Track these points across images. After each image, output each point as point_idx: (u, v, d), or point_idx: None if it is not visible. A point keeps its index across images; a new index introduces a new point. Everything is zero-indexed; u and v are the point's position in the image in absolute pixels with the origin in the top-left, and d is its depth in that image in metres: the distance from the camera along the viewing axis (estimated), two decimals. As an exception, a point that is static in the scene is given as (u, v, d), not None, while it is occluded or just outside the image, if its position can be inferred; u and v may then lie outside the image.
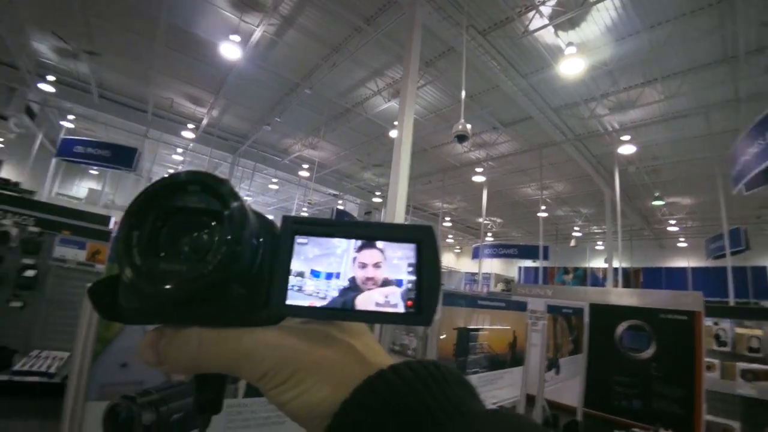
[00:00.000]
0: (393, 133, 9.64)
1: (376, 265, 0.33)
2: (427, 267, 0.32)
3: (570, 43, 6.65)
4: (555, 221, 18.54)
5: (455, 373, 0.32)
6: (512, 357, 2.88)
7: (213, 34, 8.23)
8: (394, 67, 8.65)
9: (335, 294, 0.33)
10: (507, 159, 12.45)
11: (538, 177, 12.00)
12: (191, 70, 9.84)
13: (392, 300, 0.32)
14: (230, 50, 7.70)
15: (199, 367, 0.31)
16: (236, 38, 7.62)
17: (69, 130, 12.93)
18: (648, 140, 9.96)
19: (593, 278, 19.87)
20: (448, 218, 20.13)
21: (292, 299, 0.32)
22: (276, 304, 0.32)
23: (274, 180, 17.00)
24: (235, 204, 0.30)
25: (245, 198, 0.35)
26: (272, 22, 7.68)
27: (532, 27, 6.68)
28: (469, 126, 5.98)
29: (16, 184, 9.34)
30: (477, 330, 2.61)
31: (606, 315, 3.67)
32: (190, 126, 12.48)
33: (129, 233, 0.30)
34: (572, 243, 18.65)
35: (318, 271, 0.34)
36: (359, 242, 0.34)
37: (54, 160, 12.60)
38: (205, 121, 12.48)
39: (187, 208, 0.31)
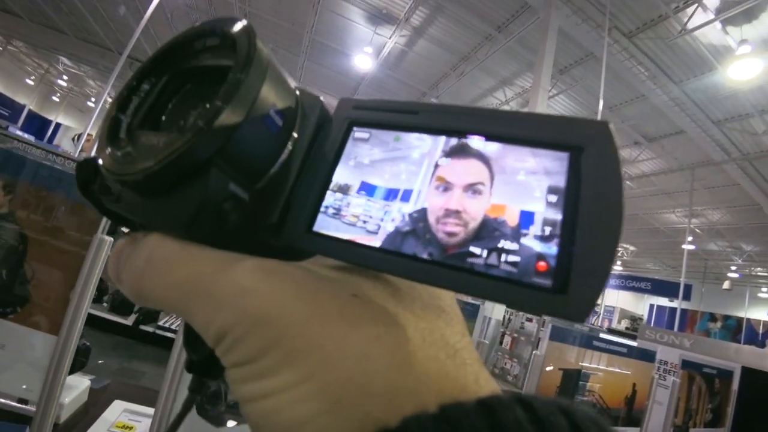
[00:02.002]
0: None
1: (473, 189, 0.19)
2: (592, 202, 0.16)
3: (744, 41, 5.61)
4: (704, 256, 15.81)
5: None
6: (628, 415, 2.34)
7: (348, 46, 8.92)
8: (524, 76, 8.33)
9: (398, 226, 0.20)
10: (649, 179, 11.05)
11: (687, 202, 10.38)
12: (327, 80, 10.85)
13: (506, 256, 0.17)
14: (363, 61, 8.26)
15: (143, 296, 0.20)
16: (369, 50, 8.14)
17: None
18: None
19: (750, 333, 16.33)
20: (569, 241, 18.61)
21: (322, 228, 0.21)
22: (293, 229, 0.21)
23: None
24: (247, 57, 0.20)
25: None
26: (403, 33, 8.02)
27: (691, 24, 5.82)
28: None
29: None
30: (588, 373, 2.22)
31: (766, 387, 2.89)
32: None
33: (127, 98, 0.23)
34: (726, 285, 15.68)
35: (374, 184, 0.21)
36: (450, 141, 0.20)
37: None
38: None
39: (201, 68, 0.23)
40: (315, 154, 0.23)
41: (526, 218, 0.17)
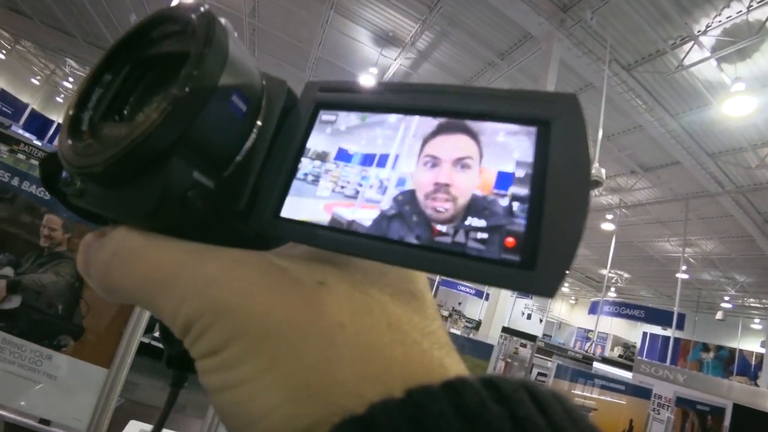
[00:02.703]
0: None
1: (462, 164, 0.18)
2: (558, 173, 0.16)
3: (738, 78, 5.79)
4: (698, 286, 15.86)
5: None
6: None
7: (354, 66, 9.07)
8: (524, 102, 8.49)
9: (375, 197, 0.20)
10: (644, 207, 11.16)
11: (681, 232, 10.47)
12: (331, 98, 10.97)
13: (476, 233, 0.17)
14: (368, 81, 8.36)
15: (111, 289, 0.20)
16: (374, 70, 8.28)
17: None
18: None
19: (742, 364, 16.27)
20: (564, 265, 18.57)
21: (302, 195, 0.21)
22: (260, 215, 0.21)
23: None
24: (206, 41, 0.19)
25: None
26: (408, 56, 8.18)
27: (688, 61, 6.01)
28: (603, 170, 5.54)
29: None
30: (583, 407, 2.23)
31: (756, 424, 2.89)
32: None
33: (88, 91, 0.22)
34: (719, 315, 15.69)
35: (350, 152, 0.21)
36: (433, 121, 0.20)
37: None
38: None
39: (162, 55, 0.22)
40: (282, 139, 0.22)
41: (497, 194, 0.17)
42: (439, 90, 0.20)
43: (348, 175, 0.21)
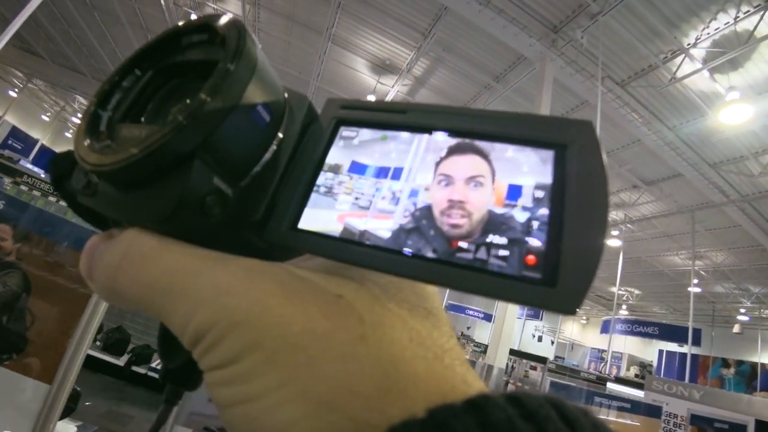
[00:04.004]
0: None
1: (474, 182, 0.19)
2: (577, 196, 0.17)
3: (732, 88, 5.85)
4: (711, 299, 15.54)
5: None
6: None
7: (352, 94, 9.28)
8: (521, 122, 8.60)
9: (388, 208, 0.20)
10: (650, 222, 11.08)
11: (690, 244, 10.35)
12: (331, 126, 11.19)
13: (496, 249, 0.17)
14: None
15: (117, 292, 0.19)
16: (372, 98, 8.47)
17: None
18: None
19: (766, 379, 15.74)
20: (573, 284, 18.28)
21: (319, 207, 0.21)
22: (277, 227, 0.21)
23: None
24: (236, 51, 0.19)
25: None
26: (405, 83, 8.36)
27: (680, 73, 6.10)
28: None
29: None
30: None
31: None
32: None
33: (108, 93, 0.22)
34: (736, 328, 15.26)
35: (364, 164, 0.22)
36: (448, 141, 0.20)
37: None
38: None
39: (188, 63, 0.22)
40: (302, 153, 0.22)
41: (517, 213, 0.18)
42: (458, 112, 0.21)
43: (362, 186, 0.21)
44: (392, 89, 8.52)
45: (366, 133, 0.22)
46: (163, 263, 0.18)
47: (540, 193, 0.18)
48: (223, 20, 0.21)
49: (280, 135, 0.22)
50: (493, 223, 0.18)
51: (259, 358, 0.16)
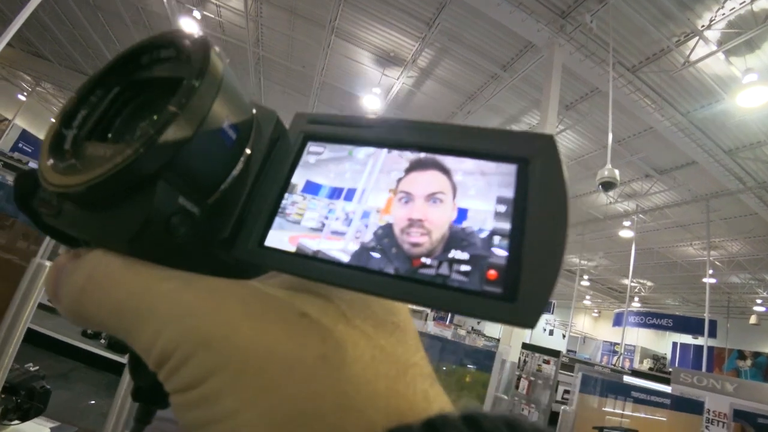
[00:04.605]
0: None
1: (434, 199, 0.19)
2: (538, 209, 0.17)
3: (749, 70, 5.66)
4: (727, 290, 15.27)
5: None
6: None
7: (357, 88, 9.20)
8: (531, 113, 8.45)
9: (339, 230, 0.20)
10: (662, 212, 10.88)
11: (704, 234, 10.15)
12: (336, 121, 11.21)
13: (457, 265, 0.17)
14: (372, 102, 8.48)
15: (83, 314, 0.19)
16: (377, 91, 8.38)
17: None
18: None
19: (785, 370, 15.45)
20: (586, 277, 18.13)
21: (281, 225, 0.21)
22: (245, 244, 0.21)
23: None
24: (201, 69, 0.19)
25: None
26: (411, 75, 8.26)
27: (694, 56, 5.91)
28: (617, 171, 5.41)
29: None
30: (619, 428, 1.96)
31: None
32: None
33: (73, 110, 0.22)
34: (752, 319, 15.02)
35: (318, 183, 0.21)
36: (409, 156, 0.20)
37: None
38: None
39: (154, 80, 0.22)
40: (269, 169, 0.22)
41: (478, 228, 0.18)
42: (424, 127, 0.20)
43: (315, 207, 0.21)
44: (398, 81, 8.41)
45: (333, 149, 0.22)
46: (128, 285, 0.18)
47: (502, 208, 0.18)
48: (189, 36, 0.21)
49: (248, 151, 0.21)
50: (455, 239, 0.18)
51: (223, 380, 0.16)
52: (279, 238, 0.20)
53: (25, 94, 15.10)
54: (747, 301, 15.47)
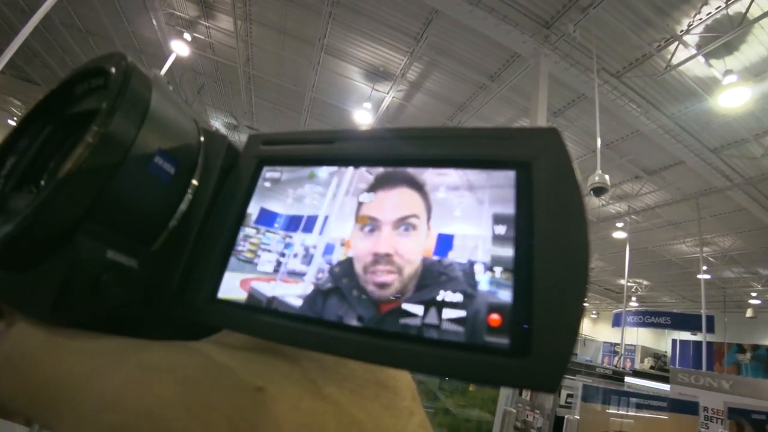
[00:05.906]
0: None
1: (405, 225, 0.15)
2: (549, 226, 0.13)
3: (728, 71, 5.84)
4: (722, 285, 15.41)
5: None
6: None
7: (348, 103, 9.31)
8: (520, 121, 8.59)
9: (298, 270, 0.16)
10: (654, 211, 11.03)
11: (696, 231, 10.29)
12: (329, 136, 11.33)
13: (443, 310, 0.13)
14: (363, 116, 8.58)
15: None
16: (368, 105, 8.49)
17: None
18: None
19: (785, 362, 15.54)
20: (580, 279, 18.16)
21: (237, 269, 0.17)
22: (194, 298, 0.17)
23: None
24: (117, 95, 0.16)
25: None
26: (400, 88, 8.37)
27: (675, 60, 6.09)
28: (607, 176, 5.52)
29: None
30: None
31: None
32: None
33: (0, 158, 0.19)
34: (749, 313, 15.14)
35: (274, 212, 0.18)
36: (374, 172, 0.16)
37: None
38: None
39: (83, 114, 0.19)
40: (221, 202, 0.19)
41: (467, 260, 0.13)
42: (392, 135, 0.17)
43: (270, 241, 0.17)
44: (388, 95, 8.53)
45: (292, 172, 0.19)
46: (48, 368, 0.15)
47: (501, 230, 0.13)
48: (111, 60, 0.17)
49: (195, 182, 0.18)
50: (431, 275, 0.13)
51: None
52: (231, 283, 0.17)
53: (15, 119, 15.08)
54: (742, 295, 15.62)
